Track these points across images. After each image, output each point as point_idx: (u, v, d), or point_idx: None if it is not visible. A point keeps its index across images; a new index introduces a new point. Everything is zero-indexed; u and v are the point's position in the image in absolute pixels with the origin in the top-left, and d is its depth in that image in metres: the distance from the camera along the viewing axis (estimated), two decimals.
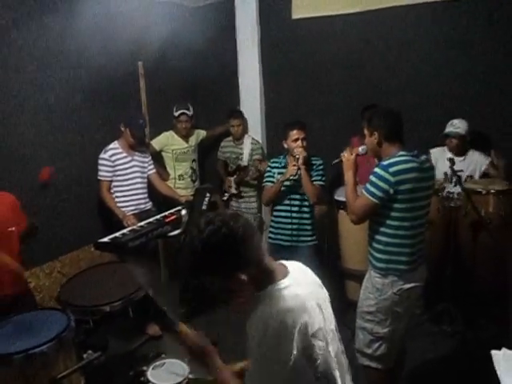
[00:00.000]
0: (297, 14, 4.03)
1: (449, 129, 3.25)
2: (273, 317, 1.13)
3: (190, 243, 1.18)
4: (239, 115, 4.11)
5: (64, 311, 2.15)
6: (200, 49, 4.34)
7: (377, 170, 2.08)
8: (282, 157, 3.17)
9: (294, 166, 2.89)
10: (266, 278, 1.21)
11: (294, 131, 2.94)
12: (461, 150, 3.30)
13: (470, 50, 3.41)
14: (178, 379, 2.12)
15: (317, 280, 1.36)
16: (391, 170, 2.03)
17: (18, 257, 2.54)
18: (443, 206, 3.13)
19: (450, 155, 3.25)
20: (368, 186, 2.10)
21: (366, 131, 2.23)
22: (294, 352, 1.12)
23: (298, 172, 2.92)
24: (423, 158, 2.18)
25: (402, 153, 2.09)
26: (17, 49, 2.96)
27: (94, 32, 3.40)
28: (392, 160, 2.06)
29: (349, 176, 2.27)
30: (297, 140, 2.93)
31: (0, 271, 2.40)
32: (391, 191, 2.03)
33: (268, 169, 3.23)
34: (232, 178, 4.13)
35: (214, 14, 4.36)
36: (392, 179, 2.02)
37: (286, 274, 1.25)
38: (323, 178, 3.06)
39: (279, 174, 3.08)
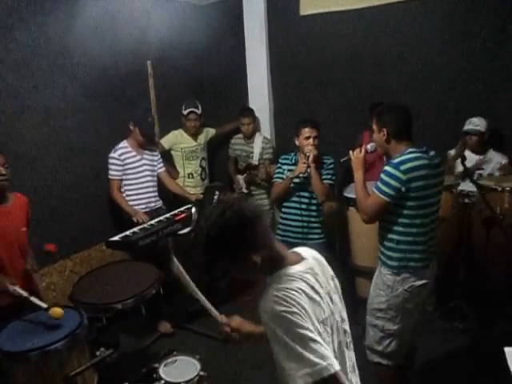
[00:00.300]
0: (305, 11, 4.01)
1: (468, 126, 3.24)
2: (279, 297, 1.12)
3: (201, 233, 1.21)
4: (250, 113, 4.07)
5: (77, 309, 2.17)
6: (208, 47, 4.35)
7: (387, 168, 2.05)
8: (292, 154, 3.17)
9: (304, 163, 2.89)
10: (278, 263, 1.23)
11: (307, 129, 2.94)
12: (480, 148, 3.29)
13: (485, 45, 3.35)
14: (190, 376, 2.14)
15: (330, 271, 1.37)
16: (402, 167, 2.01)
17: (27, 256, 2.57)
18: (458, 202, 3.10)
19: (467, 153, 3.24)
20: (379, 184, 2.07)
21: (374, 127, 2.20)
22: (310, 327, 1.11)
23: (308, 170, 2.92)
24: (432, 153, 2.16)
25: (411, 149, 2.07)
26: (22, 48, 2.98)
27: (102, 31, 3.42)
28: (402, 158, 2.04)
29: (358, 175, 2.25)
30: (308, 138, 2.93)
31: (14, 272, 2.44)
32: (403, 189, 2.01)
33: (278, 165, 3.23)
34: (242, 177, 4.13)
35: (222, 12, 4.37)
36: (403, 177, 2.00)
37: (299, 260, 1.27)
38: (333, 177, 3.05)
39: (289, 170, 3.08)
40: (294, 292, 1.14)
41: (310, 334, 1.09)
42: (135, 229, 3.10)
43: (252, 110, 4.14)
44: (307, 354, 1.07)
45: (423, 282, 2.13)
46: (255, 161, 4.05)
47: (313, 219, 3.10)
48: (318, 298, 1.19)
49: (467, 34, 3.40)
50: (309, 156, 2.89)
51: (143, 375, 2.24)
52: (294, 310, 1.11)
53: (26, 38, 3.00)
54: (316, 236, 3.12)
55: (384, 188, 2.04)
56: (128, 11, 3.65)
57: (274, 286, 1.17)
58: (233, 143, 4.26)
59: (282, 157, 3.25)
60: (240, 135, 4.19)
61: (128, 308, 2.26)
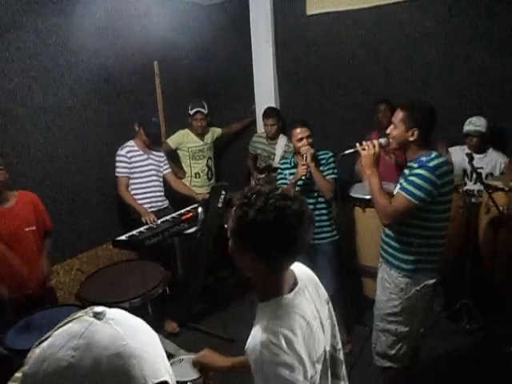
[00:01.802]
0: (311, 10, 4.01)
1: (468, 127, 3.21)
2: (270, 341, 1.02)
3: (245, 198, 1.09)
4: (274, 114, 3.90)
5: (84, 308, 2.18)
6: (214, 47, 4.36)
7: (421, 171, 1.95)
8: (290, 156, 3.14)
9: (304, 165, 2.84)
10: (275, 289, 1.13)
11: (297, 130, 2.89)
12: (481, 148, 3.26)
13: (488, 45, 3.33)
14: (196, 375, 2.14)
15: (325, 294, 1.28)
16: (438, 172, 1.94)
17: (37, 256, 2.56)
18: (464, 202, 3.09)
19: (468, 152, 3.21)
20: (408, 187, 1.97)
21: (396, 122, 2.07)
22: (300, 378, 1.02)
23: (308, 170, 2.88)
24: None
25: (435, 153, 2.01)
26: (29, 49, 3.00)
27: (109, 32, 3.44)
28: (436, 162, 1.97)
29: (373, 173, 2.11)
30: (301, 139, 2.89)
31: (26, 271, 2.46)
32: (436, 193, 1.95)
33: (279, 171, 3.17)
34: (261, 176, 4.04)
35: (228, 12, 4.37)
36: (439, 182, 1.94)
37: (294, 284, 1.17)
38: (335, 171, 3.00)
39: (291, 174, 3.04)
40: (287, 337, 1.03)
41: None
42: (142, 228, 3.12)
43: (277, 111, 3.98)
44: None
45: (434, 280, 2.11)
46: (275, 163, 3.91)
47: (323, 217, 3.07)
48: (312, 334, 1.10)
49: (472, 34, 3.38)
50: (306, 157, 2.85)
51: None
52: (284, 359, 1.01)
53: (32, 39, 3.02)
54: (329, 234, 3.05)
55: (416, 192, 1.95)
56: (135, 12, 3.66)
57: (265, 324, 1.05)
58: (254, 141, 4.15)
59: (281, 162, 3.21)
60: (262, 134, 4.08)
61: (135, 307, 2.27)
